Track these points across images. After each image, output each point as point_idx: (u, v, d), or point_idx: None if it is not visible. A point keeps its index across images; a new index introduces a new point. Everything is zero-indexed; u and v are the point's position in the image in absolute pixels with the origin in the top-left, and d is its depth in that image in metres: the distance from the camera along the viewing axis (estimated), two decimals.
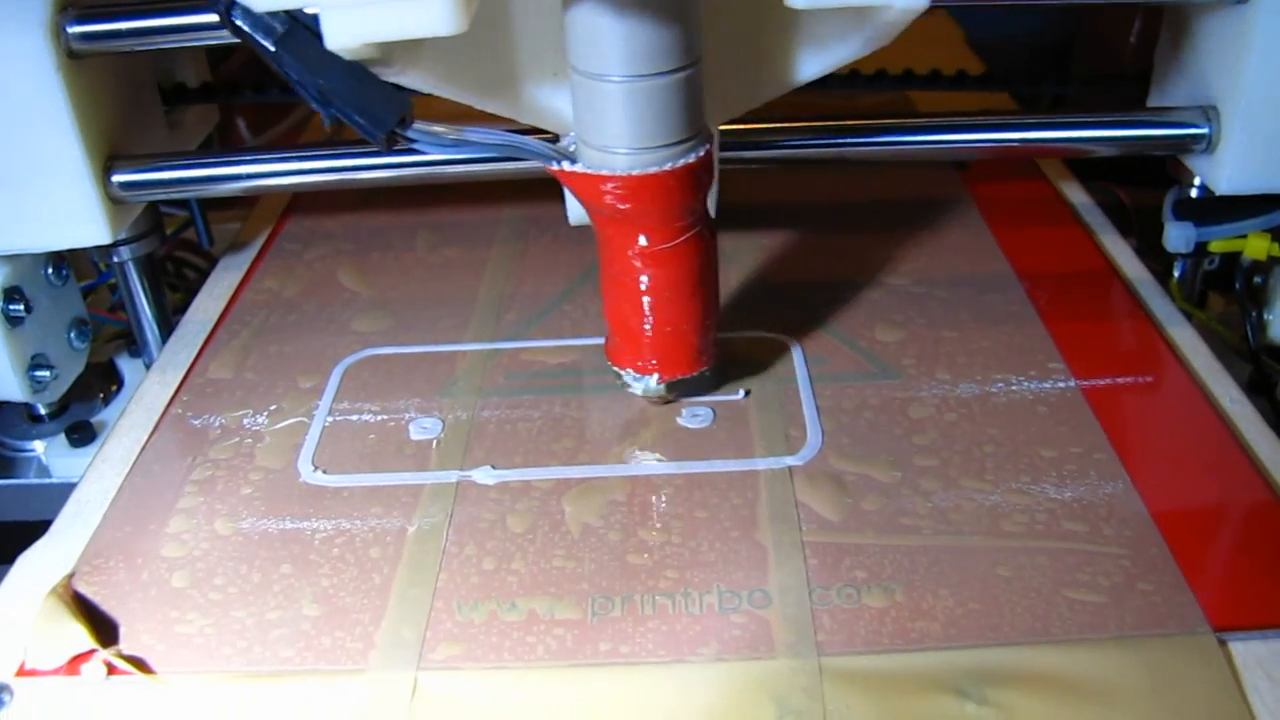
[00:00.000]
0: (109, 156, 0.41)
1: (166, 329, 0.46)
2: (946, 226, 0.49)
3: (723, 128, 0.44)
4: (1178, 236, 0.44)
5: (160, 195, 0.43)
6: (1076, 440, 0.35)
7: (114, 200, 0.41)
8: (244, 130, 0.65)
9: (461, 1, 0.27)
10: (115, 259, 0.45)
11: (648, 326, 0.35)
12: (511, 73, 0.34)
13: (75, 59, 0.39)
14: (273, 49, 0.29)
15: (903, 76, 0.59)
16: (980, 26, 0.72)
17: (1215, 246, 0.44)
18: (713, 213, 0.36)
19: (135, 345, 0.48)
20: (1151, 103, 0.47)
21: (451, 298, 0.45)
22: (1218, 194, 0.41)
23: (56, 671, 0.29)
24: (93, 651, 0.29)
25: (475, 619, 0.30)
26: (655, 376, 0.36)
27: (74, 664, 0.29)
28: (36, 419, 0.46)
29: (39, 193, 0.40)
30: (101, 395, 0.48)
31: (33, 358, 0.43)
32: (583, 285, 0.45)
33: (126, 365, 0.49)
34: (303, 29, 0.28)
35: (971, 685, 0.27)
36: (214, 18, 0.39)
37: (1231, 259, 0.45)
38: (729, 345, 0.41)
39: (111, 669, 0.29)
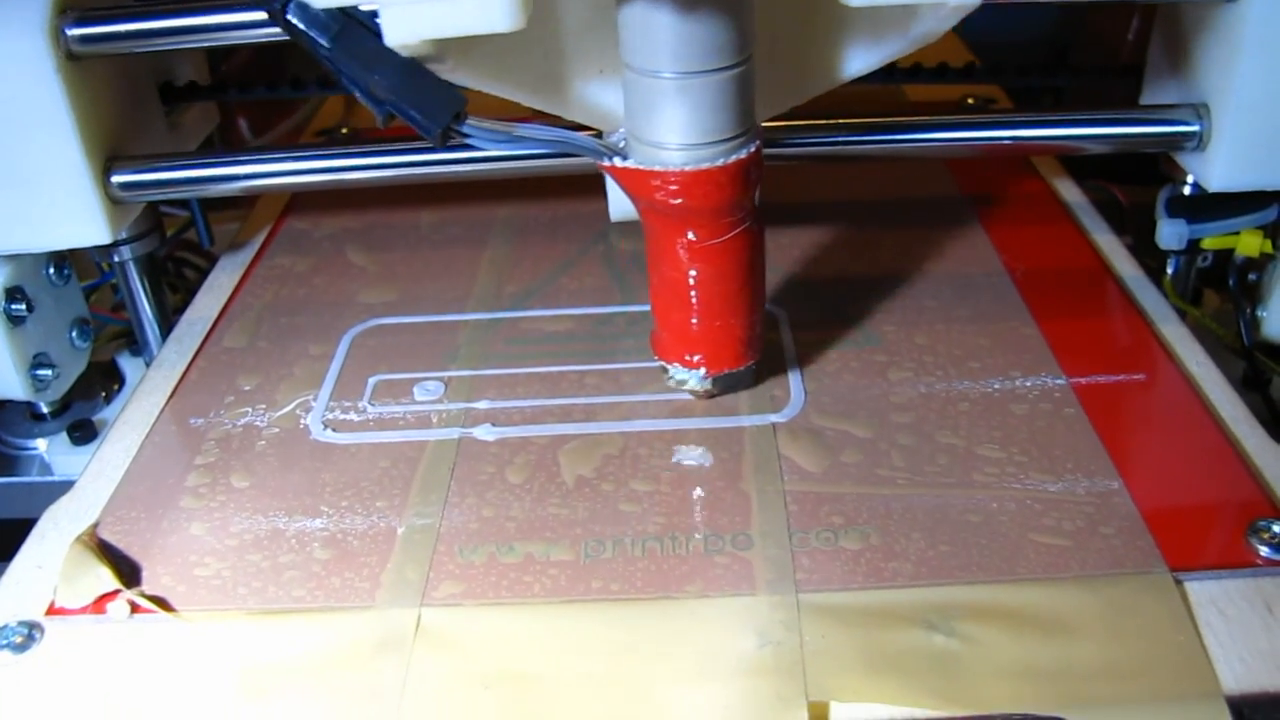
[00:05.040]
0: (109, 157, 0.41)
1: (167, 328, 0.46)
2: (939, 222, 0.49)
3: None
4: (1170, 234, 0.44)
5: (160, 195, 0.43)
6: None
7: (114, 200, 0.41)
8: (245, 130, 0.64)
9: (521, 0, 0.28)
10: (116, 259, 0.45)
11: (694, 321, 0.35)
12: (560, 70, 0.34)
13: (74, 61, 0.39)
14: (328, 46, 0.29)
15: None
16: (977, 26, 0.72)
17: (1208, 243, 0.44)
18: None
19: (136, 344, 0.49)
20: (1144, 100, 0.46)
21: (454, 272, 0.47)
22: (1210, 191, 0.41)
23: (83, 610, 0.31)
24: (117, 592, 0.31)
25: (475, 560, 0.32)
26: (702, 371, 0.36)
27: (100, 603, 0.31)
28: (38, 417, 0.46)
29: (39, 193, 0.40)
30: (103, 394, 0.48)
31: (35, 357, 0.43)
32: (579, 260, 0.47)
33: (128, 364, 0.49)
34: (357, 26, 0.28)
35: (940, 619, 0.29)
36: (214, 19, 0.39)
37: (1225, 255, 0.45)
38: None
39: (135, 607, 0.31)
